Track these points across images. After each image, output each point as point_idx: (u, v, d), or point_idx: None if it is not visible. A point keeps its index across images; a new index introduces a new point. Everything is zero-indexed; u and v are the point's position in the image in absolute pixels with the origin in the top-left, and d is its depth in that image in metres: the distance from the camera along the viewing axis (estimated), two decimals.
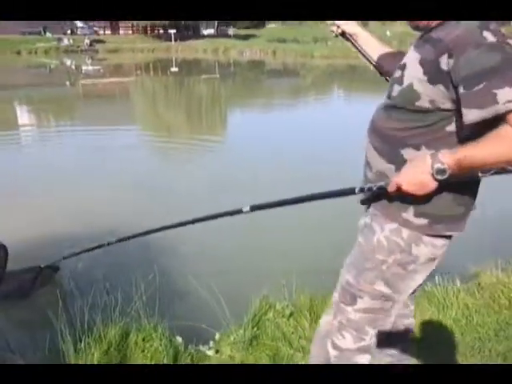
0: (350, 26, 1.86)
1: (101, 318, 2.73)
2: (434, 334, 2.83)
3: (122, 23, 44.83)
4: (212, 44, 39.44)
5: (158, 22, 42.94)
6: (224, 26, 48.86)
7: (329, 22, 1.88)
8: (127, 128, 11.07)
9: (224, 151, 9.08)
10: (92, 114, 13.71)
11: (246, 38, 42.50)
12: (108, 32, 45.91)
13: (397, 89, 1.47)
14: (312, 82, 25.08)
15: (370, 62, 1.89)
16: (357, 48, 1.90)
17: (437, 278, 3.30)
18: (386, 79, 1.79)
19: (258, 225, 4.92)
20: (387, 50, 1.85)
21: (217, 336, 2.80)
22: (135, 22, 43.57)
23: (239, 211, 2.03)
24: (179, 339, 2.70)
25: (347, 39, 1.91)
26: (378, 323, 1.54)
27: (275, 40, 40.16)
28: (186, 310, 3.39)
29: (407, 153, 1.45)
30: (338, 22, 1.85)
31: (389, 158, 1.49)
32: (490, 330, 2.84)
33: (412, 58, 1.43)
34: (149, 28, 46.61)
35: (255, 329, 2.80)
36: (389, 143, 1.49)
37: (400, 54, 1.67)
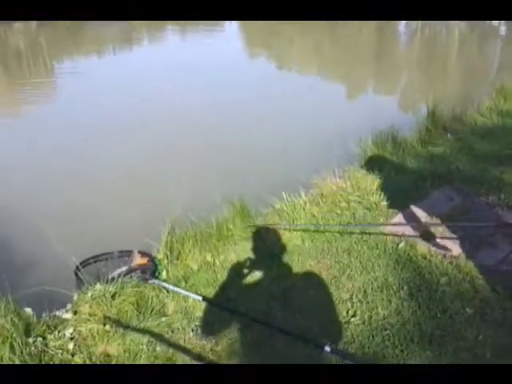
0: None
1: None
2: (289, 244, 3.02)
3: None
4: None
5: None
6: None
7: None
8: None
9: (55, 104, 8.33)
10: None
11: None
12: None
13: None
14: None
15: None
16: None
17: (284, 194, 3.49)
18: None
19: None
20: None
21: (75, 297, 2.63)
22: None
23: None
24: (28, 310, 2.48)
25: None
26: None
27: None
28: (42, 278, 3.12)
29: None
30: None
31: None
32: (335, 232, 3.12)
33: None
34: None
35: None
36: None
37: None
